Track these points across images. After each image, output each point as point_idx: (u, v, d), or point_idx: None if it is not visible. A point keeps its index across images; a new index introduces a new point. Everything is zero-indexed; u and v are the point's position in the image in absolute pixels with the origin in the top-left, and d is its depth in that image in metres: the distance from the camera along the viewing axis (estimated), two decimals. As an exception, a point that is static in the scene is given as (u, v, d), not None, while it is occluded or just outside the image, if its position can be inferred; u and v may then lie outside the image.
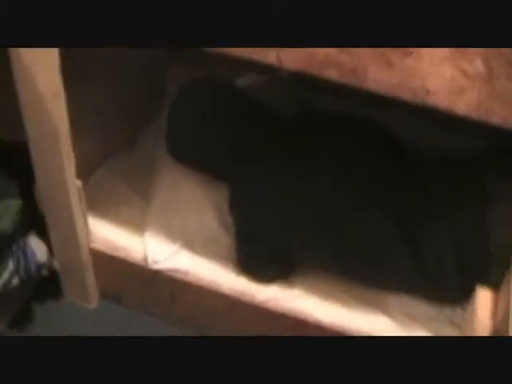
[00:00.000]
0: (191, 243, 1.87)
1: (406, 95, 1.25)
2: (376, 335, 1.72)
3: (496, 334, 1.36)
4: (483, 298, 1.44)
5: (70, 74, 1.51)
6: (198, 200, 1.93)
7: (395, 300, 1.78)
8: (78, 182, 1.73)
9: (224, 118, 1.89)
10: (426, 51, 1.17)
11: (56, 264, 1.91)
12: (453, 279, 1.69)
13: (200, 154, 1.90)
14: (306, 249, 1.80)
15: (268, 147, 1.83)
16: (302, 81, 1.36)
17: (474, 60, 1.16)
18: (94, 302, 2.01)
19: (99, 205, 1.92)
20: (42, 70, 1.46)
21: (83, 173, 1.79)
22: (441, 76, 1.19)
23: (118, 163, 2.05)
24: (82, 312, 2.00)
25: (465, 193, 1.71)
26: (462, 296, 1.72)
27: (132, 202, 1.97)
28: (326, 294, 1.79)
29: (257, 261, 1.83)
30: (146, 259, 1.85)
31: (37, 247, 1.86)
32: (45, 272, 1.90)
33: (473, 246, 1.68)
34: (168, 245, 1.85)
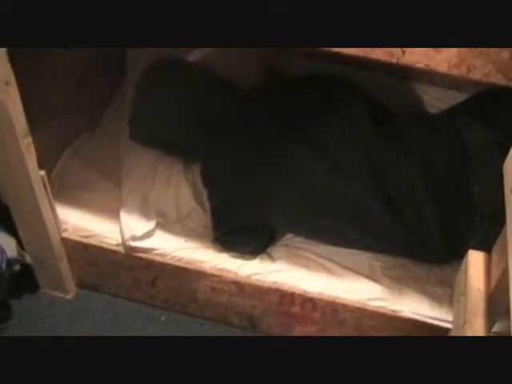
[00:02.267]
0: (167, 219, 1.81)
1: (379, 55, 1.18)
2: (366, 303, 1.68)
3: (489, 293, 1.32)
4: (475, 257, 1.40)
5: (21, 61, 1.42)
6: (174, 176, 1.85)
7: (382, 265, 1.74)
8: (41, 172, 1.65)
9: (186, 98, 1.80)
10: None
11: (28, 258, 1.84)
12: (435, 235, 1.65)
13: (167, 135, 1.83)
14: (285, 218, 1.74)
15: (235, 119, 1.76)
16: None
17: (451, 13, 1.09)
18: (71, 293, 1.94)
19: (67, 192, 1.84)
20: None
21: (46, 161, 1.72)
22: (417, 33, 1.12)
23: (82, 147, 1.97)
24: (61, 303, 1.93)
25: (443, 149, 1.65)
26: (448, 254, 1.69)
27: (101, 186, 1.89)
28: (310, 265, 1.74)
29: (234, 234, 1.77)
30: (121, 244, 1.78)
31: (5, 243, 1.78)
32: (17, 268, 1.82)
33: (453, 202, 1.64)
34: (145, 221, 1.78)
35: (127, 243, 1.77)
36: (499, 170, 1.29)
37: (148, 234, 1.77)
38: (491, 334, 1.29)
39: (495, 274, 1.30)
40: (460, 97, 1.94)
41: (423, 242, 1.67)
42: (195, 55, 1.93)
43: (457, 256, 1.62)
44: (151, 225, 1.78)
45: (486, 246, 1.42)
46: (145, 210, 1.79)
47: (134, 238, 1.76)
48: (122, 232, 1.78)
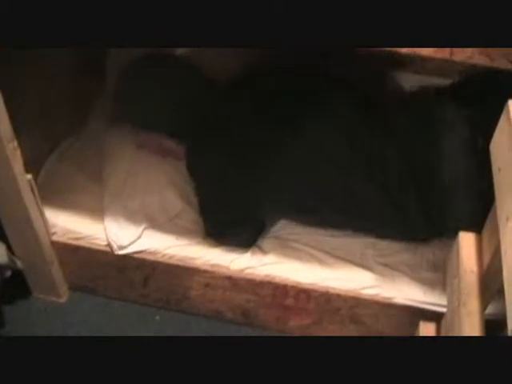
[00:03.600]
0: (155, 222, 1.80)
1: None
2: (360, 291, 1.69)
3: (482, 273, 1.33)
4: (466, 238, 1.41)
5: (4, 65, 1.43)
6: (155, 178, 1.85)
7: (374, 252, 1.74)
8: (28, 176, 1.64)
9: (170, 91, 1.80)
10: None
11: (19, 263, 1.82)
12: (417, 212, 1.68)
13: (152, 121, 1.83)
14: (273, 207, 1.76)
15: (220, 110, 1.77)
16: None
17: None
18: (64, 296, 1.93)
19: (55, 195, 1.83)
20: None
21: (33, 165, 1.72)
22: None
23: (68, 150, 1.97)
24: (54, 307, 1.92)
25: (417, 129, 1.69)
26: (430, 230, 1.71)
27: (88, 188, 1.88)
28: (302, 256, 1.75)
29: (224, 226, 1.77)
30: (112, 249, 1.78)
31: (-5, 249, 1.77)
32: (8, 273, 1.81)
33: (429, 179, 1.66)
34: (131, 228, 1.77)
35: (116, 253, 1.77)
36: (470, 145, 1.36)
37: (136, 241, 1.77)
38: (486, 315, 1.30)
39: (487, 255, 1.31)
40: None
41: (408, 220, 1.69)
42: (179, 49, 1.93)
43: (439, 232, 1.70)
44: (138, 231, 1.77)
45: (471, 224, 1.45)
46: (130, 218, 1.78)
47: (121, 248, 1.76)
48: (109, 243, 1.77)
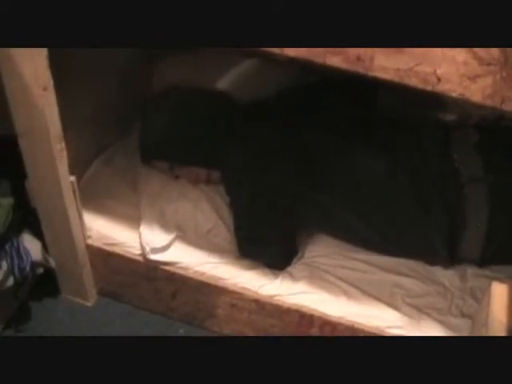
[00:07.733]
0: (189, 235, 1.82)
1: (415, 82, 1.18)
2: (385, 330, 1.67)
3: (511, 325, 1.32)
4: (498, 289, 1.39)
5: (59, 69, 1.45)
6: (190, 189, 1.89)
7: (404, 293, 1.73)
8: (72, 178, 1.67)
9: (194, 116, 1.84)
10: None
11: (52, 262, 1.85)
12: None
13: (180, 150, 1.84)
14: (310, 224, 1.81)
15: (257, 128, 1.79)
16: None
17: (489, 44, 1.10)
18: (91, 300, 1.95)
19: (95, 200, 1.86)
20: (29, 64, 1.40)
21: (78, 167, 1.75)
22: (453, 62, 1.13)
23: (114, 155, 2.00)
24: (80, 310, 1.94)
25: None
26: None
27: (128, 196, 1.91)
28: (332, 288, 1.74)
29: (259, 245, 1.78)
30: (144, 254, 1.79)
31: (31, 245, 1.79)
32: (40, 270, 1.84)
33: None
34: (164, 235, 1.79)
35: (147, 256, 1.78)
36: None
37: (168, 246, 1.79)
38: None
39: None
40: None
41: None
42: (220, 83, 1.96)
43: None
44: (170, 237, 1.79)
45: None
46: (163, 223, 1.81)
47: (153, 251, 1.78)
48: (142, 247, 1.79)
